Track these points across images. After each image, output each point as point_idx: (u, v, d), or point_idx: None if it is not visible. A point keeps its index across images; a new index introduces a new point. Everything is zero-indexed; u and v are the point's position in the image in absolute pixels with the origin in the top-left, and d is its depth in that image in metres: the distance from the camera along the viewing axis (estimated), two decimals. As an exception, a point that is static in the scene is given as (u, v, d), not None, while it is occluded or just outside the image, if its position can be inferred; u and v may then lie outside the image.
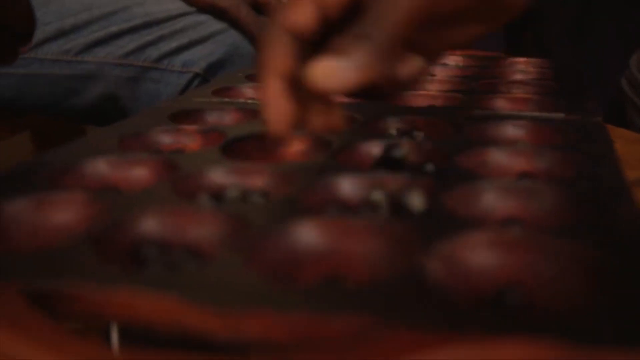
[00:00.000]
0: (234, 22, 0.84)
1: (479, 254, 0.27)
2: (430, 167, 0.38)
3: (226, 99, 0.56)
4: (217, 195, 0.35)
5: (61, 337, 0.22)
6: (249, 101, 0.56)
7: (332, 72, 0.30)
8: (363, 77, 0.30)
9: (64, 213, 0.32)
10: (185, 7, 0.86)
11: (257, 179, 0.37)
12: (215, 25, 0.85)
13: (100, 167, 0.38)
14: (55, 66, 0.81)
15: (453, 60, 0.76)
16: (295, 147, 0.43)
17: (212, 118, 0.52)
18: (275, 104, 0.32)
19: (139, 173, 0.38)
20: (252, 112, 0.51)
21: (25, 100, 0.81)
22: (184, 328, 0.23)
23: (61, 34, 0.81)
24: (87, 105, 0.82)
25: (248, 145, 0.43)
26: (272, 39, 0.32)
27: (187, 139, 0.45)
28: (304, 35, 0.32)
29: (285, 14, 0.31)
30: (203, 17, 0.85)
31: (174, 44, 0.82)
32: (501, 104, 0.55)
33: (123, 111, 0.83)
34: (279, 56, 0.31)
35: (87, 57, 0.81)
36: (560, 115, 0.49)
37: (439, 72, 0.69)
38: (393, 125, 0.48)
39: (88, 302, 0.24)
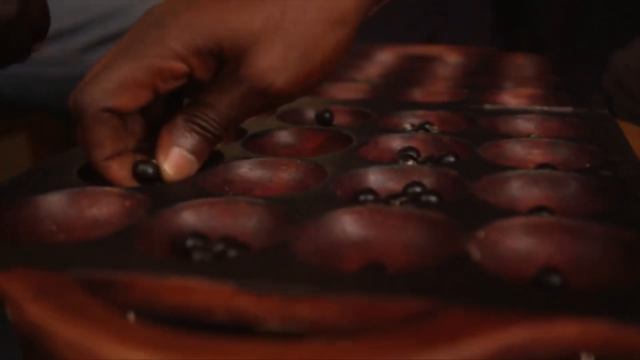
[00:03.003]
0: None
1: (519, 238, 0.28)
2: (450, 158, 0.39)
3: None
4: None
5: (118, 323, 0.23)
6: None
7: (183, 163, 0.35)
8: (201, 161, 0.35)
9: (102, 207, 0.32)
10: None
11: (284, 172, 0.37)
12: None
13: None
14: (54, 67, 0.81)
15: (452, 57, 0.77)
16: (315, 143, 0.44)
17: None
18: (123, 179, 0.34)
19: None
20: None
21: (26, 101, 0.81)
22: (239, 315, 0.24)
23: (60, 35, 0.81)
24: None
25: (267, 140, 0.44)
26: (92, 120, 0.33)
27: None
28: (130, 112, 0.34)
29: (107, 93, 0.33)
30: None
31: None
32: (508, 99, 0.56)
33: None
34: (108, 137, 0.33)
35: (87, 58, 0.81)
36: (568, 109, 0.51)
37: (441, 70, 0.70)
38: (407, 121, 0.49)
39: (144, 290, 0.24)
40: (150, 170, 0.34)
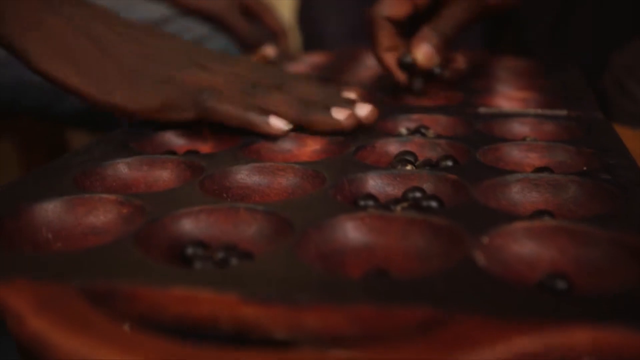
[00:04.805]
0: (225, 26, 0.84)
1: (524, 243, 0.28)
2: (448, 162, 0.39)
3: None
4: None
5: (122, 335, 0.22)
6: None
7: (429, 53, 0.51)
8: (440, 56, 0.52)
9: (99, 214, 0.32)
10: (173, 12, 0.85)
11: (282, 178, 0.37)
12: (203, 29, 0.85)
13: (123, 169, 0.38)
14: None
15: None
16: (311, 147, 0.44)
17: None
18: (394, 69, 0.53)
19: (162, 174, 0.38)
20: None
21: (15, 104, 0.80)
22: (244, 324, 0.24)
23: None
24: (77, 109, 0.81)
25: (264, 146, 0.43)
26: (378, 25, 0.52)
27: (200, 141, 0.45)
28: (400, 21, 0.53)
29: (386, 6, 0.52)
30: (191, 23, 0.85)
31: (162, 48, 0.81)
32: (502, 102, 0.56)
33: (112, 116, 0.82)
34: (386, 37, 0.53)
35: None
36: (562, 112, 0.51)
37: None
38: (402, 125, 0.49)
39: (147, 300, 0.24)
40: (408, 59, 0.52)
